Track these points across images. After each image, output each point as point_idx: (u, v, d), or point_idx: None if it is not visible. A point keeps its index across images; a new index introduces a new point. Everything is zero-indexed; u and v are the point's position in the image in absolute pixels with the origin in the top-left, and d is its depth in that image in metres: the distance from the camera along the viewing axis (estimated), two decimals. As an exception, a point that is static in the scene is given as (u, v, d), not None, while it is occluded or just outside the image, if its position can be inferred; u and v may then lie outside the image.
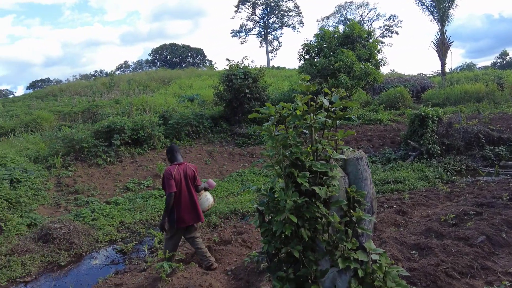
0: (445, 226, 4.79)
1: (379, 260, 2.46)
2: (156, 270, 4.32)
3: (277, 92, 20.90)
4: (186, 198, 4.51)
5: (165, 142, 14.18)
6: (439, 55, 25.02)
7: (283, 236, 2.50)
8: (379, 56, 20.20)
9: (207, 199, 4.89)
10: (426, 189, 8.25)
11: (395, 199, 7.22)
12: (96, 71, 56.91)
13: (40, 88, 42.01)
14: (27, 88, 54.34)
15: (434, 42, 25.19)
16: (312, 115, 2.39)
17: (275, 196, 2.51)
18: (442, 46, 24.64)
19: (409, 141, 11.98)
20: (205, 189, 5.01)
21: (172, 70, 36.52)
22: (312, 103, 2.31)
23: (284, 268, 2.54)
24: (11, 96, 38.81)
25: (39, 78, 59.05)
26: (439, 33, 24.99)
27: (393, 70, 31.74)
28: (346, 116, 2.52)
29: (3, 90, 48.78)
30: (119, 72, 57.74)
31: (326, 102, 2.27)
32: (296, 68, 26.29)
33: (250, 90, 15.76)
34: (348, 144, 6.85)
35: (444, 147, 11.57)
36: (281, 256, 2.63)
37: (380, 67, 19.78)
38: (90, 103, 19.44)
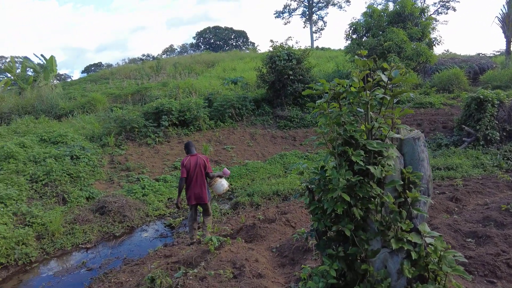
0: (506, 215, 4.46)
1: (434, 244, 2.37)
2: (204, 243, 4.53)
3: (322, 73, 20.36)
4: (195, 182, 5.58)
5: (210, 124, 14.54)
6: (504, 32, 22.56)
7: (333, 215, 2.50)
8: (433, 35, 18.81)
9: (221, 184, 5.84)
10: (483, 176, 7.70)
11: (447, 186, 6.84)
12: (143, 55, 59.03)
13: (93, 72, 44.55)
14: (82, 72, 57.96)
15: (499, 17, 22.69)
16: (368, 92, 2.31)
17: (326, 174, 2.49)
18: (509, 21, 22.14)
19: (464, 126, 11.19)
20: (220, 177, 5.92)
21: (215, 53, 36.86)
22: (369, 79, 2.22)
23: (333, 246, 2.54)
24: (69, 80, 41.66)
25: (92, 63, 62.52)
26: (506, 6, 22.41)
27: (447, 50, 29.42)
28: (403, 94, 2.40)
29: (62, 74, 52.43)
30: (165, 55, 59.45)
31: (384, 78, 2.17)
32: (342, 48, 25.35)
33: (294, 71, 15.51)
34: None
35: (505, 133, 10.67)
36: (331, 235, 2.63)
37: (434, 47, 18.45)
38: (139, 86, 20.30)
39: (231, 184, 10.19)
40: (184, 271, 3.80)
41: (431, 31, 18.55)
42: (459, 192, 6.14)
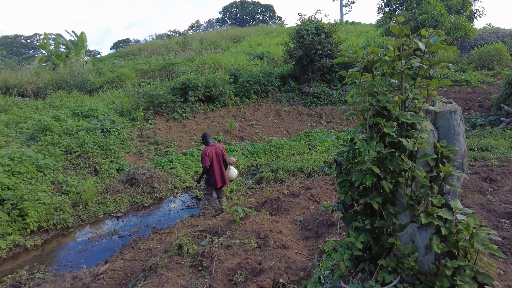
0: (544, 197, 4.23)
1: (466, 221, 2.29)
2: (230, 214, 4.65)
3: (351, 48, 19.63)
4: (217, 169, 6.26)
5: (235, 100, 14.54)
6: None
7: (361, 188, 2.46)
8: (474, 7, 17.52)
9: (233, 171, 6.57)
10: (522, 158, 7.30)
11: (481, 166, 6.56)
12: (170, 31, 59.00)
13: (122, 48, 45.17)
14: (111, 48, 58.90)
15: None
16: (403, 61, 2.20)
17: (356, 147, 2.44)
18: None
19: (503, 105, 10.56)
20: (230, 164, 6.58)
21: (241, 28, 36.24)
22: (405, 47, 2.11)
23: (360, 219, 2.52)
24: (98, 56, 42.57)
25: (120, 39, 63.35)
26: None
27: (489, 24, 27.37)
28: (441, 65, 2.26)
29: (92, 51, 53.63)
30: (191, 31, 59.07)
31: (421, 46, 2.05)
32: (373, 22, 24.22)
33: (322, 46, 15.03)
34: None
35: (548, 113, 9.99)
36: (357, 208, 2.60)
37: (474, 20, 17.21)
38: (166, 61, 20.47)
39: (255, 160, 10.32)
40: (210, 239, 3.92)
41: (472, 2, 17.28)
42: (494, 173, 5.87)
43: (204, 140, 6.49)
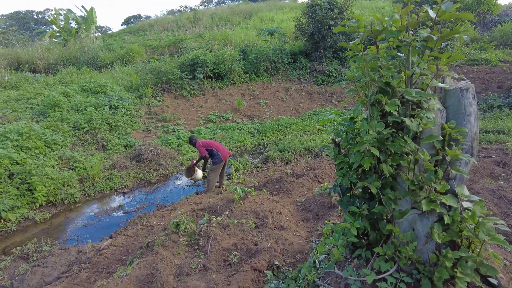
0: (561, 183, 3.99)
1: (472, 209, 2.13)
2: (230, 193, 4.58)
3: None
4: (218, 145, 6.87)
5: (244, 77, 14.25)
6: None
7: (360, 170, 2.31)
8: (500, -20, 16.45)
9: (199, 173, 6.96)
10: (540, 141, 6.95)
11: (495, 150, 6.27)
12: (181, 6, 57.93)
13: (133, 24, 44.62)
14: (122, 24, 58.31)
15: None
16: (411, 32, 1.98)
17: (356, 126, 2.27)
18: None
19: (525, 85, 10.03)
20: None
21: (253, 3, 35.16)
22: (413, 15, 1.88)
23: (357, 204, 2.38)
24: (109, 32, 42.24)
25: (131, 15, 62.56)
26: None
27: (516, -1, 25.75)
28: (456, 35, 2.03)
29: (103, 27, 53.26)
30: (202, 6, 57.85)
31: (432, 14, 1.82)
32: (390, -2, 23.09)
33: (335, 22, 14.45)
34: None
35: None
36: (355, 191, 2.46)
37: (499, -6, 16.19)
38: (176, 38, 20.11)
39: (262, 139, 10.20)
40: (208, 218, 3.87)
41: (498, -24, 16.20)
42: (509, 157, 5.60)
43: (193, 140, 7.00)
